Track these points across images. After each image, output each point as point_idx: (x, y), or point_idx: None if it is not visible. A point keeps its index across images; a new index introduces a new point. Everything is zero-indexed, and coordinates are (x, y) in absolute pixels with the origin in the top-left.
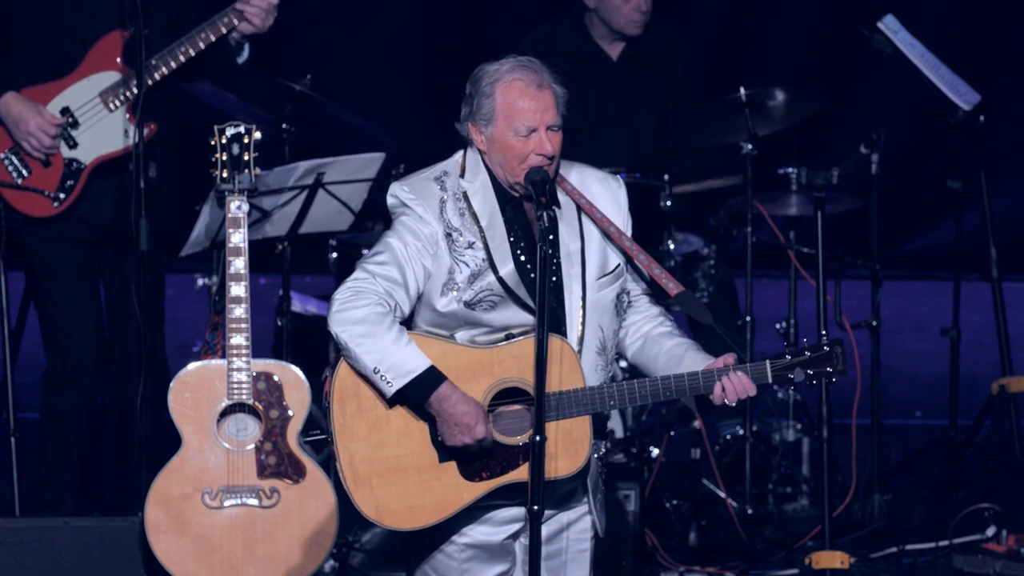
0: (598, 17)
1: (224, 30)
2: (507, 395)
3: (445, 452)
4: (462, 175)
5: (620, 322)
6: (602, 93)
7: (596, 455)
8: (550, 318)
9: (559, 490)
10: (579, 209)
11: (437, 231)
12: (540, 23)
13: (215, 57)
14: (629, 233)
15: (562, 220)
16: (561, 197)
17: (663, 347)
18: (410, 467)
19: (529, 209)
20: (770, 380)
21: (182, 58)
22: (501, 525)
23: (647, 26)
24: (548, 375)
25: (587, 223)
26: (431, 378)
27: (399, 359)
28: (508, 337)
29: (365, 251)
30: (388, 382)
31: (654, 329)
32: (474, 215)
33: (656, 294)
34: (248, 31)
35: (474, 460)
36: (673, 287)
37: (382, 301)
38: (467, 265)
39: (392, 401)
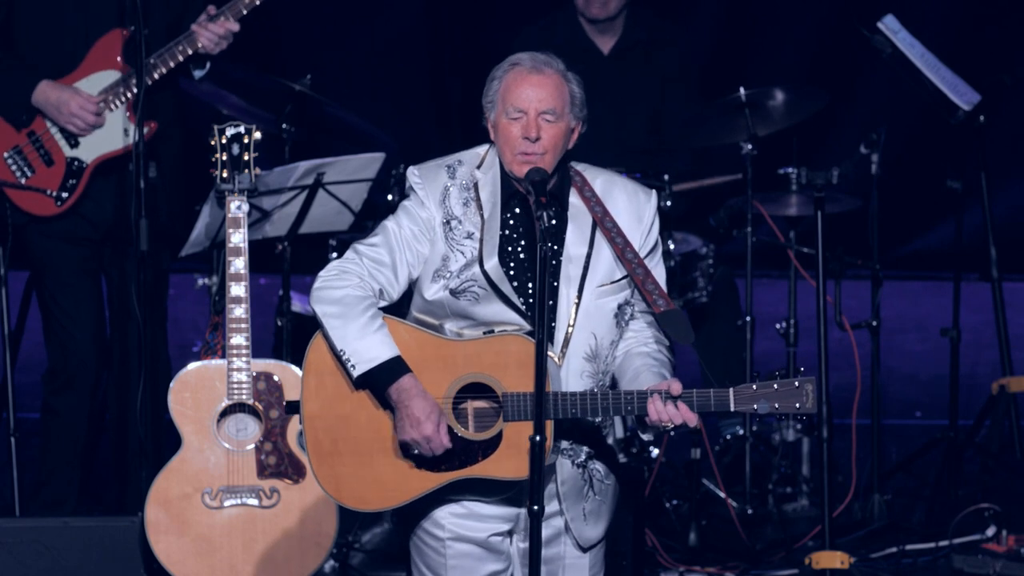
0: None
1: (195, 46)
2: (475, 390)
3: None
4: (479, 166)
5: (621, 333)
6: (593, 87)
7: (575, 461)
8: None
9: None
10: (592, 215)
11: (435, 217)
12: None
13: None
14: (647, 247)
15: (573, 222)
16: (575, 200)
17: (632, 365)
18: (373, 450)
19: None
20: (732, 408)
21: (180, 57)
22: (485, 521)
23: (629, 15)
24: (511, 375)
25: (599, 230)
26: (393, 368)
27: (365, 345)
28: (487, 333)
29: (355, 257)
30: (352, 366)
31: (636, 347)
32: (479, 206)
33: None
34: (200, 51)
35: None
36: (663, 304)
37: (364, 283)
38: (463, 255)
39: (357, 385)
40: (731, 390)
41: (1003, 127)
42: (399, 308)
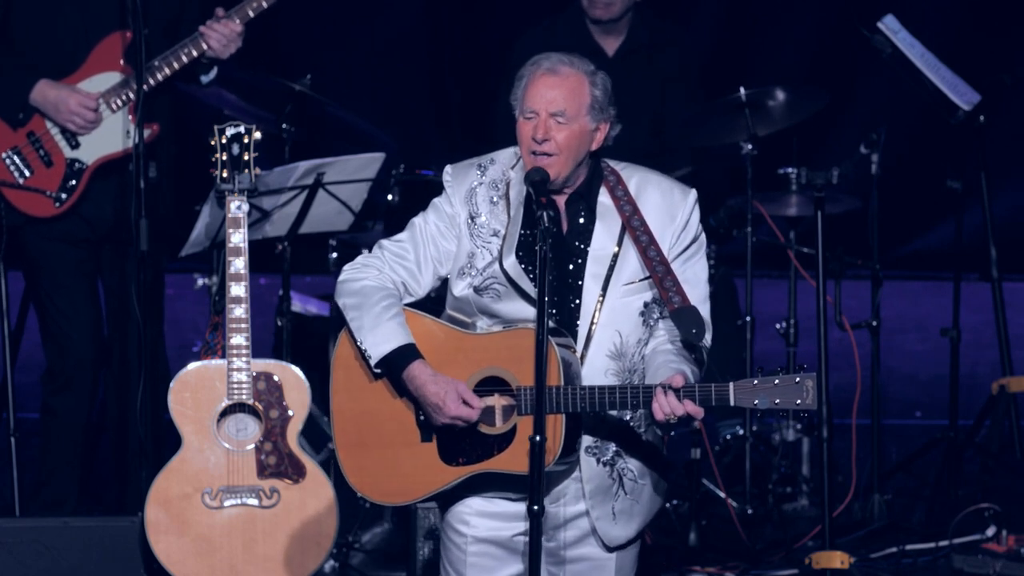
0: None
1: (200, 48)
2: (492, 383)
3: (427, 432)
4: (514, 166)
5: (650, 332)
6: None
7: (600, 459)
8: (562, 315)
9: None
10: (620, 214)
11: (459, 214)
12: (539, 22)
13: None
14: (681, 245)
15: (601, 220)
16: (604, 198)
17: (654, 361)
18: (396, 443)
19: (560, 205)
20: (732, 403)
21: (185, 59)
22: (509, 521)
23: (634, 17)
24: (526, 370)
25: (627, 228)
26: (404, 355)
27: (379, 334)
28: (506, 327)
29: (365, 251)
30: (369, 356)
31: (660, 345)
32: (508, 205)
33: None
34: (209, 53)
35: (452, 444)
36: (678, 302)
37: (382, 275)
38: (489, 252)
39: (375, 374)
40: (731, 384)
41: (1003, 127)
42: (440, 307)
